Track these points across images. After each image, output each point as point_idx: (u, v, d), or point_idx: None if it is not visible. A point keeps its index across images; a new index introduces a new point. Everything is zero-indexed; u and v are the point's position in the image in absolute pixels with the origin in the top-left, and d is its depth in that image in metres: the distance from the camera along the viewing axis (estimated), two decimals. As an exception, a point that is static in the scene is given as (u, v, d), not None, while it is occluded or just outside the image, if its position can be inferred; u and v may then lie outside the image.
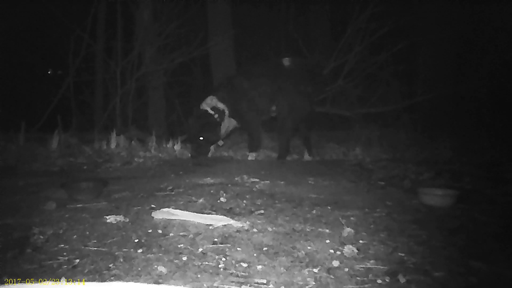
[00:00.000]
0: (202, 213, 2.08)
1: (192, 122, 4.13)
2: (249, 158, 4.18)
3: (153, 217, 2.03)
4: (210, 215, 2.05)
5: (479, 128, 5.91)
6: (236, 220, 1.97)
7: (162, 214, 2.05)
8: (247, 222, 1.96)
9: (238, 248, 1.65)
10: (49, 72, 9.64)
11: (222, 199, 2.39)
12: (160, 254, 1.58)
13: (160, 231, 1.84)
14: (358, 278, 1.41)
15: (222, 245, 1.68)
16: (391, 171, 3.36)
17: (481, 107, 6.64)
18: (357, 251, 1.62)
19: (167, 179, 3.00)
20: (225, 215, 2.04)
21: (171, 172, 3.30)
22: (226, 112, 4.08)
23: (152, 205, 2.24)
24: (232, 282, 1.36)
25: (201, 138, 4.02)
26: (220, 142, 4.26)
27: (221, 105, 4.05)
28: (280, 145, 4.21)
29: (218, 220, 1.96)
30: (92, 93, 7.27)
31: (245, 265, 1.49)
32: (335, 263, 1.51)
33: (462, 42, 6.87)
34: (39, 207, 2.25)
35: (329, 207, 2.26)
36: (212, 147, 4.23)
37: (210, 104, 4.06)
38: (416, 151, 4.42)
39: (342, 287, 1.35)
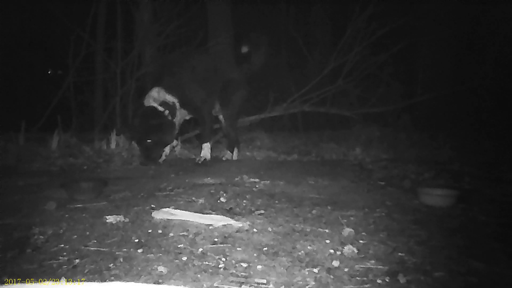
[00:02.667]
0: (202, 213, 2.08)
1: (138, 123, 3.38)
2: (204, 150, 3.61)
3: (153, 217, 2.03)
4: (210, 215, 2.05)
5: (479, 128, 5.91)
6: (236, 220, 1.97)
7: (162, 214, 2.05)
8: (247, 222, 1.96)
9: (238, 248, 1.65)
10: (49, 72, 9.64)
11: (222, 199, 2.39)
12: (160, 254, 1.58)
13: (160, 231, 1.84)
14: (358, 278, 1.41)
15: (222, 245, 1.68)
16: (391, 171, 3.36)
17: (481, 107, 6.64)
18: (357, 251, 1.62)
19: (167, 179, 3.00)
20: (225, 215, 2.04)
21: (171, 172, 3.30)
22: (177, 104, 3.45)
23: (152, 205, 2.24)
24: (232, 282, 1.36)
25: (150, 141, 3.40)
26: (174, 143, 3.66)
27: (170, 98, 3.40)
28: (230, 140, 3.95)
29: (218, 220, 1.96)
30: (92, 93, 7.26)
31: (245, 265, 1.49)
32: (335, 263, 1.51)
33: (462, 42, 6.88)
34: (39, 207, 2.25)
35: (329, 207, 2.26)
36: (166, 149, 3.65)
37: (157, 98, 3.40)
38: (416, 151, 4.42)
39: (342, 287, 1.35)
